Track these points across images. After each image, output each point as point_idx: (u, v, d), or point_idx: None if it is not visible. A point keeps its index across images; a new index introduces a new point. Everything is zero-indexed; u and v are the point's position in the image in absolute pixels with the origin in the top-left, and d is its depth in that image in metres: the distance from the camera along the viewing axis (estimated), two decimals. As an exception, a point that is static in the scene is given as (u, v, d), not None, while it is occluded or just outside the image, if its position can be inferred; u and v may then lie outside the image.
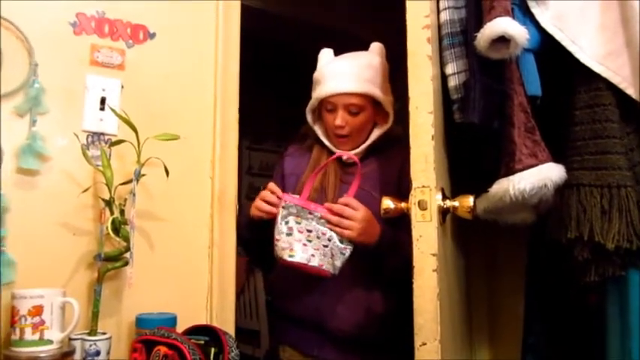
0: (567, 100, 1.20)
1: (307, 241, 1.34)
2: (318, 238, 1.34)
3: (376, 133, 1.52)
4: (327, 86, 1.47)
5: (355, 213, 1.34)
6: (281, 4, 3.19)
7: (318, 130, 1.56)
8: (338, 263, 1.34)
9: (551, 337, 1.40)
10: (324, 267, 1.34)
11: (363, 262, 1.39)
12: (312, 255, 1.33)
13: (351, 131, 1.48)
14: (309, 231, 1.34)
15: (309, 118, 1.57)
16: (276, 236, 1.34)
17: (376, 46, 1.56)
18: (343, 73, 1.47)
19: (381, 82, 1.48)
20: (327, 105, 1.49)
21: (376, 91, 1.46)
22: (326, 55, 1.57)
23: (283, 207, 1.35)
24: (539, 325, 1.42)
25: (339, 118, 1.46)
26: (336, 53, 1.58)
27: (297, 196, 1.39)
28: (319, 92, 1.49)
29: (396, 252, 1.33)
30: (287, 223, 1.34)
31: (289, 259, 1.32)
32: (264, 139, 5.37)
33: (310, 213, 1.35)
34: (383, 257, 1.39)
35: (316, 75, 1.53)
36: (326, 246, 1.34)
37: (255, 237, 1.52)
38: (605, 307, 1.18)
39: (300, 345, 1.51)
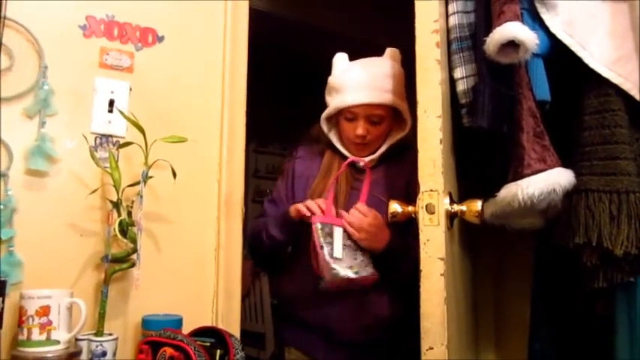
0: (576, 106, 1.20)
1: (352, 257, 1.36)
2: (354, 250, 1.37)
3: (392, 140, 1.52)
4: (349, 96, 1.46)
5: (363, 219, 1.35)
6: (288, 7, 3.19)
7: (333, 137, 1.55)
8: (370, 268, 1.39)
9: (558, 343, 1.39)
10: (376, 275, 1.38)
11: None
12: (365, 267, 1.37)
13: (371, 139, 1.49)
14: (344, 245, 1.36)
15: (324, 125, 1.55)
16: (327, 259, 1.34)
17: (392, 52, 1.55)
18: (365, 84, 1.46)
19: (400, 90, 1.48)
20: (347, 114, 1.48)
21: (397, 101, 1.47)
22: (341, 60, 1.55)
23: (320, 229, 1.35)
24: (546, 330, 1.41)
25: (361, 128, 1.46)
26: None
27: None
28: (340, 102, 1.47)
29: (405, 257, 1.33)
30: (330, 244, 1.35)
31: (354, 276, 1.34)
32: (270, 142, 5.37)
33: (337, 227, 1.37)
34: (393, 262, 1.39)
35: (333, 82, 1.51)
36: (362, 253, 1.38)
37: (286, 237, 1.51)
38: (614, 314, 1.17)
39: (307, 348, 1.51)
